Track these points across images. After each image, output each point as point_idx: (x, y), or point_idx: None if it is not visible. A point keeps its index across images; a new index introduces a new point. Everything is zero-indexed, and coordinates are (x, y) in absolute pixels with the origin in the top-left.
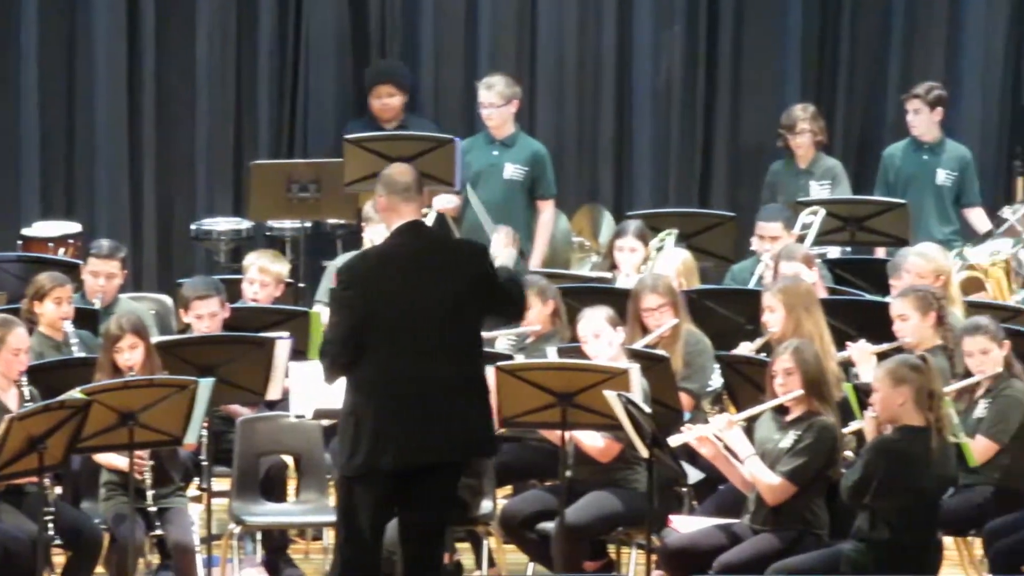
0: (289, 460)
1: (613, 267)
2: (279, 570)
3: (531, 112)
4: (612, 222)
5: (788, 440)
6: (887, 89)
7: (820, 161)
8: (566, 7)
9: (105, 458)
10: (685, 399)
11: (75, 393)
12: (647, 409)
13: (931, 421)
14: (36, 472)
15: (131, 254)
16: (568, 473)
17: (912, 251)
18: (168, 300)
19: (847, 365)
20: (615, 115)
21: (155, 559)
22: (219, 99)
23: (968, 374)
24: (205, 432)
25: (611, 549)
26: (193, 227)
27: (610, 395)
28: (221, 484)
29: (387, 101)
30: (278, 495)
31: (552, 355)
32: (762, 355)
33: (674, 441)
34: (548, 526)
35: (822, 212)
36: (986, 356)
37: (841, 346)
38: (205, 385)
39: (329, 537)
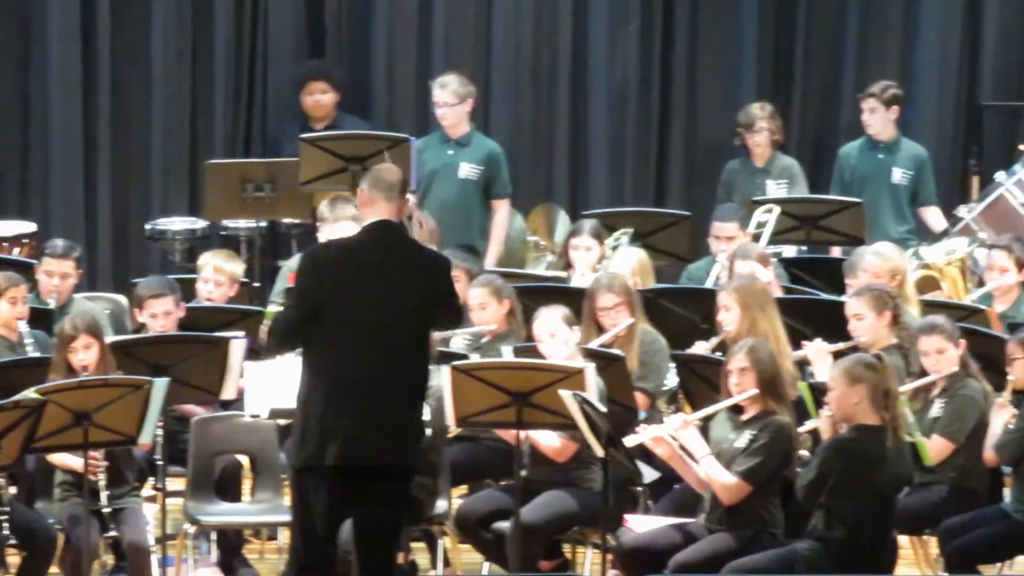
0: (244, 460)
1: (568, 266)
2: (234, 570)
3: (486, 111)
4: (567, 221)
5: (743, 440)
6: (843, 88)
7: (777, 160)
8: (522, 5)
9: (59, 458)
10: (641, 398)
11: (29, 393)
12: (603, 408)
13: (887, 420)
14: None
15: (86, 254)
16: (523, 473)
17: (868, 250)
18: (123, 300)
19: (803, 364)
20: (570, 114)
21: (110, 560)
22: (174, 99)
23: (924, 373)
24: (160, 432)
25: (566, 549)
26: (148, 227)
27: (566, 395)
28: (176, 484)
29: (319, 98)
30: (233, 495)
31: (508, 354)
32: (717, 354)
33: (630, 441)
34: (503, 526)
35: (777, 210)
36: (942, 355)
37: (797, 345)
38: (160, 385)
39: (284, 537)
